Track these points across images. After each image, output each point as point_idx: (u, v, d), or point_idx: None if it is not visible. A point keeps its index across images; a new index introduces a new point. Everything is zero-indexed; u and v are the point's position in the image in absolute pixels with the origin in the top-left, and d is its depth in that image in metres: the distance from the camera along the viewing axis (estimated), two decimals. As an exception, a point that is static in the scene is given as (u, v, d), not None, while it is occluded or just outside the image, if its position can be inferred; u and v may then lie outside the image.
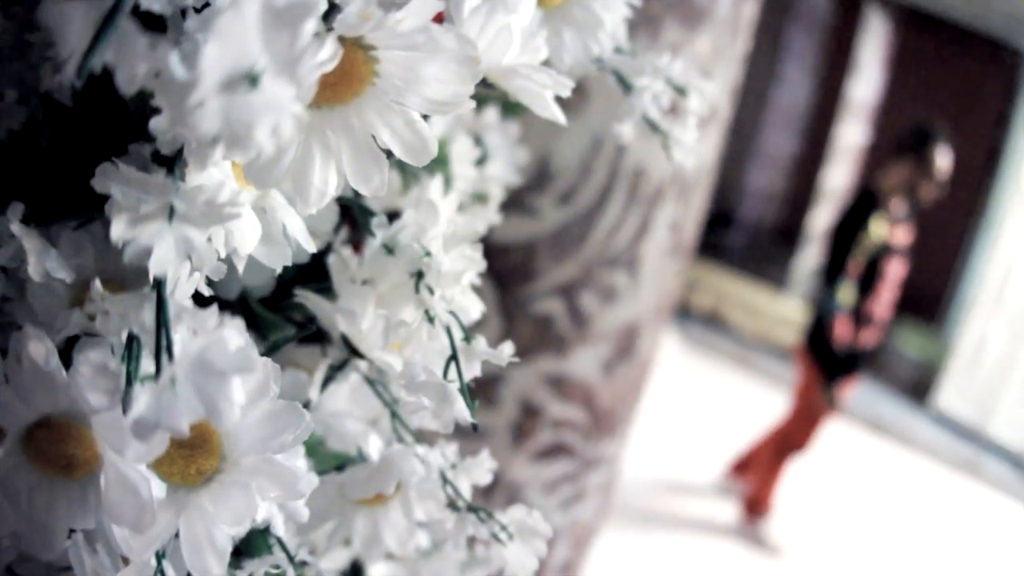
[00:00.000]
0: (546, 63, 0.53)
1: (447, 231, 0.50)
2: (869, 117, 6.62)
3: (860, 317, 3.60)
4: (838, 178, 6.48)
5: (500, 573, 0.57)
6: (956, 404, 5.60)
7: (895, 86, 6.58)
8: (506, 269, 1.23)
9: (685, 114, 0.67)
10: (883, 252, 3.55)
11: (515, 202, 1.20)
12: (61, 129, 0.53)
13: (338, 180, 0.43)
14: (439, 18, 0.49)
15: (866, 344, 3.65)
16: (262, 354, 0.56)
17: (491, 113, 0.81)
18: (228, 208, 0.38)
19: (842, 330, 3.57)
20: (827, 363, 3.63)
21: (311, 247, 0.48)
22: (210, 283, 0.48)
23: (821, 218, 6.44)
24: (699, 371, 5.41)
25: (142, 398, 0.34)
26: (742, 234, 6.82)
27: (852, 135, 6.46)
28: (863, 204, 3.54)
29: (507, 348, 0.49)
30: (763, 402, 5.19)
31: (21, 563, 0.49)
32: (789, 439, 3.85)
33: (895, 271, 3.62)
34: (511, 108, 0.84)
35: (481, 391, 1.28)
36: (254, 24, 0.31)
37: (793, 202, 6.68)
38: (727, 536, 3.78)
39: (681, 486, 4.01)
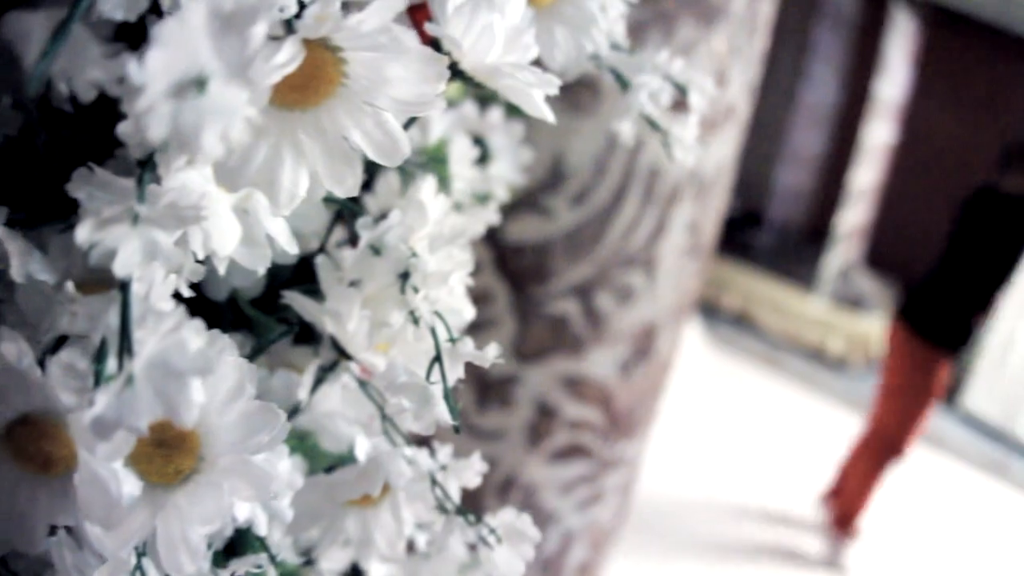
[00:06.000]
0: (538, 62, 0.52)
1: (434, 232, 0.50)
2: (897, 116, 6.58)
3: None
4: (866, 177, 6.44)
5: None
6: (984, 405, 5.56)
7: (923, 85, 6.53)
8: (520, 269, 1.23)
9: (686, 112, 0.66)
10: None
11: (529, 202, 1.20)
12: (57, 134, 0.53)
13: (310, 182, 0.43)
14: (425, 17, 0.49)
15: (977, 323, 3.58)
16: (248, 356, 0.56)
17: (495, 113, 0.80)
18: (192, 211, 0.37)
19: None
20: (937, 332, 3.52)
21: (293, 249, 0.48)
22: (199, 285, 0.48)
23: (850, 218, 6.40)
24: (727, 371, 5.39)
25: (101, 398, 0.34)
26: (770, 234, 6.79)
27: (880, 134, 6.42)
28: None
29: (492, 350, 0.49)
30: (792, 403, 5.17)
31: (15, 559, 0.49)
32: (886, 441, 3.64)
33: None
34: (517, 108, 0.84)
35: (496, 392, 1.29)
36: (202, 29, 0.31)
37: (822, 202, 6.64)
38: (757, 560, 3.75)
39: (705, 502, 3.98)
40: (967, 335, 3.51)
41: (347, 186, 0.43)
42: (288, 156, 0.43)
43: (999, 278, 3.42)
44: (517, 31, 0.50)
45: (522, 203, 1.20)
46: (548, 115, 0.51)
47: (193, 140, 0.31)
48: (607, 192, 1.23)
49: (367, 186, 0.70)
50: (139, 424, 0.34)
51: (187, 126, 0.31)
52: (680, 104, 0.68)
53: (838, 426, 4.96)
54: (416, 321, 0.49)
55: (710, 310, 5.88)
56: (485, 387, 1.28)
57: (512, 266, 1.22)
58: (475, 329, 1.25)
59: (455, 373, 0.49)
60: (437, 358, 0.48)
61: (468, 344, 0.49)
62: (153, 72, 0.30)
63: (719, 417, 4.63)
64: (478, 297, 1.23)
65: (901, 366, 3.58)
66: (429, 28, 0.46)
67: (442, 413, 0.48)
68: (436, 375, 0.49)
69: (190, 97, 0.31)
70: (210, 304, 0.58)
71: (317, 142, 0.43)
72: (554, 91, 0.49)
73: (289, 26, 0.38)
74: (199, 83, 0.31)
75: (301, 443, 0.65)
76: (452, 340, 0.49)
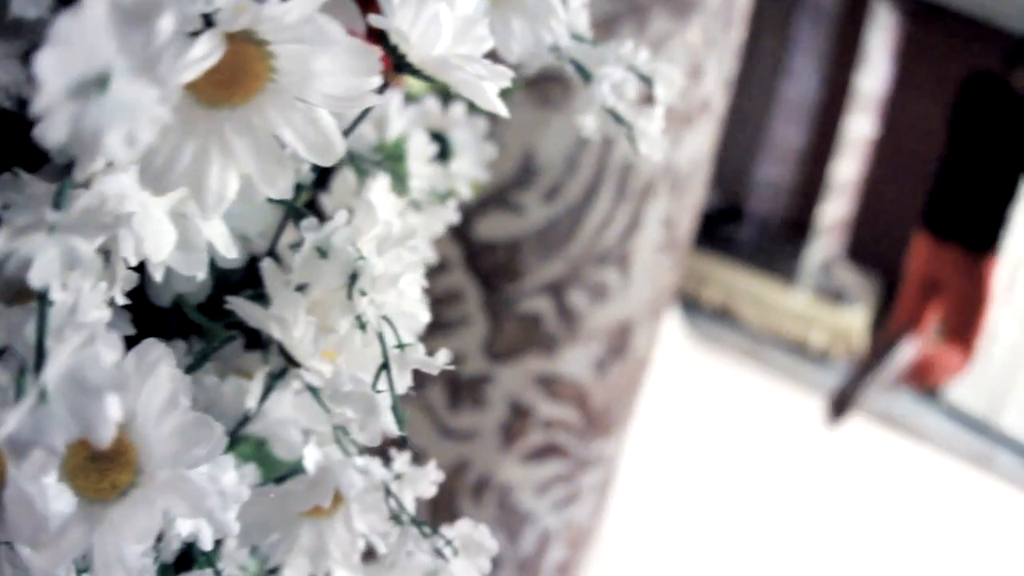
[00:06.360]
0: (494, 54, 0.51)
1: (382, 233, 0.47)
2: (878, 109, 6.59)
3: None
4: (847, 170, 6.45)
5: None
6: (967, 397, 5.57)
7: (904, 78, 6.54)
8: (491, 268, 1.21)
9: (652, 104, 0.64)
10: None
11: (499, 199, 1.19)
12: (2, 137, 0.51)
13: (242, 183, 0.41)
14: (374, 9, 0.47)
15: None
16: (192, 364, 0.54)
17: (458, 108, 0.78)
18: (111, 217, 0.35)
19: None
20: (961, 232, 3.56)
21: (232, 253, 0.46)
22: (144, 291, 0.46)
23: (831, 211, 6.41)
24: (709, 365, 5.38)
25: (12, 415, 0.32)
26: (751, 228, 6.79)
27: (861, 127, 6.43)
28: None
29: (442, 356, 0.47)
30: (775, 397, 5.17)
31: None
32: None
33: None
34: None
35: (468, 392, 1.27)
36: (103, 23, 0.29)
37: (803, 195, 6.65)
38: (741, 554, 3.75)
39: (687, 497, 3.97)
40: (992, 228, 3.56)
41: (279, 187, 0.41)
42: (216, 157, 0.40)
43: (1005, 167, 3.45)
44: (469, 22, 0.48)
45: (492, 200, 1.18)
46: (501, 109, 0.49)
47: (95, 142, 0.29)
48: (579, 188, 1.21)
49: (323, 185, 0.69)
50: (54, 442, 0.32)
51: (88, 128, 0.29)
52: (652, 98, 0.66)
53: (820, 419, 4.96)
54: (363, 326, 0.47)
55: (691, 304, 5.87)
56: (457, 387, 1.27)
57: (482, 264, 1.21)
58: (445, 329, 1.24)
59: (404, 381, 0.47)
60: (385, 365, 0.46)
61: (418, 350, 0.47)
62: (49, 71, 0.28)
63: (701, 412, 4.62)
64: (448, 296, 1.22)
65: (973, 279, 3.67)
66: (373, 20, 0.44)
67: (388, 424, 0.46)
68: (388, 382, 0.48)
69: (92, 97, 0.29)
70: (156, 312, 0.56)
71: (247, 141, 0.41)
72: (507, 84, 0.47)
73: (209, 20, 0.36)
74: (100, 81, 0.29)
75: (259, 451, 0.63)
76: (401, 346, 0.47)
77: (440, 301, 1.22)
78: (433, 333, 1.26)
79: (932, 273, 3.69)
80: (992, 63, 4.06)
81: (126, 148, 0.29)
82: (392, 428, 0.46)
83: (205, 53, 0.34)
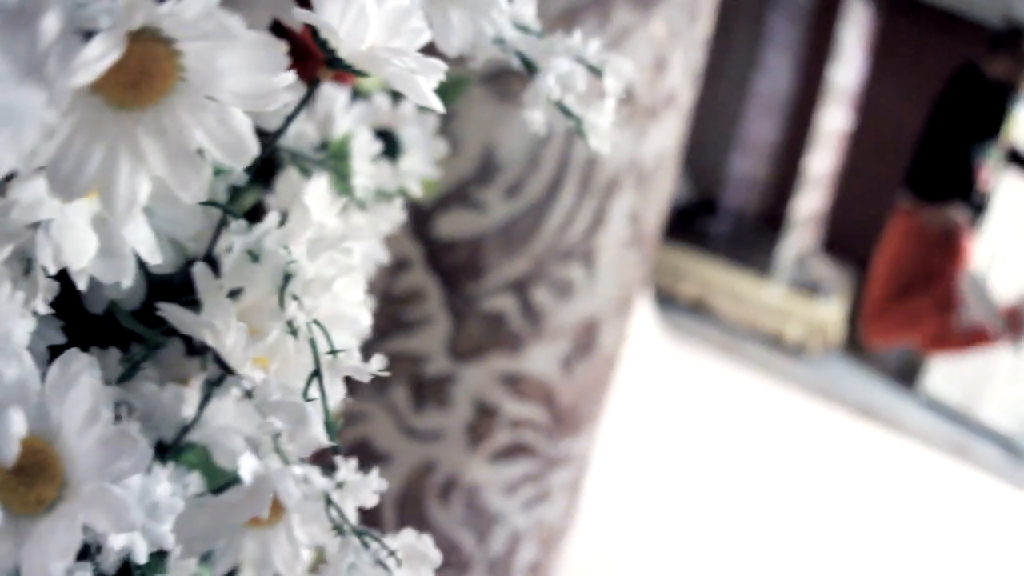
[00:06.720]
0: (432, 48, 0.49)
1: (313, 235, 0.46)
2: (852, 102, 6.61)
3: None
4: (822, 164, 6.46)
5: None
6: (945, 388, 5.58)
7: (878, 71, 6.57)
8: (452, 266, 1.20)
9: (601, 97, 0.62)
10: None
11: (459, 196, 1.17)
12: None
13: (151, 187, 0.39)
14: (305, 4, 0.45)
15: None
16: (122, 374, 0.53)
17: (408, 105, 0.76)
18: (14, 226, 0.34)
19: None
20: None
21: (156, 259, 0.44)
22: (78, 298, 0.45)
23: (806, 204, 6.42)
24: (684, 360, 5.38)
25: None
26: (726, 221, 6.79)
27: (835, 120, 6.45)
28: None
29: (376, 362, 0.45)
30: (751, 390, 5.17)
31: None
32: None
33: None
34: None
35: (432, 392, 1.26)
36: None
37: (777, 188, 6.66)
38: (718, 548, 3.74)
39: (662, 492, 3.97)
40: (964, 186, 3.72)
41: (193, 190, 0.40)
42: (125, 160, 0.39)
43: (979, 144, 3.63)
44: (403, 14, 0.46)
45: (452, 197, 1.17)
46: (436, 104, 0.47)
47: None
48: (541, 184, 1.20)
49: (268, 185, 0.67)
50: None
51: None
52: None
53: (798, 412, 4.96)
54: (294, 332, 0.45)
55: (666, 299, 5.86)
56: (421, 388, 1.25)
57: (444, 262, 1.19)
58: (407, 329, 1.22)
59: (336, 388, 0.45)
60: (316, 373, 0.45)
61: (353, 356, 0.46)
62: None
63: (677, 406, 4.62)
64: (409, 296, 1.20)
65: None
66: (299, 15, 0.43)
67: (318, 434, 0.44)
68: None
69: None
70: (88, 318, 0.54)
71: (158, 143, 0.39)
72: (440, 77, 0.46)
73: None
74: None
75: (206, 459, 0.61)
76: (333, 352, 0.45)
77: (401, 301, 1.20)
78: (395, 333, 1.25)
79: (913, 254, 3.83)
80: (964, 56, 4.12)
81: (11, 153, 0.28)
82: (322, 438, 0.44)
83: (101, 53, 0.32)
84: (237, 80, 0.39)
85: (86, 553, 0.48)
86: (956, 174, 3.83)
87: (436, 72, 0.45)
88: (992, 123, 3.70)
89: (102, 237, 0.43)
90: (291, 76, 0.39)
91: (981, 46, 4.06)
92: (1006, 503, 4.66)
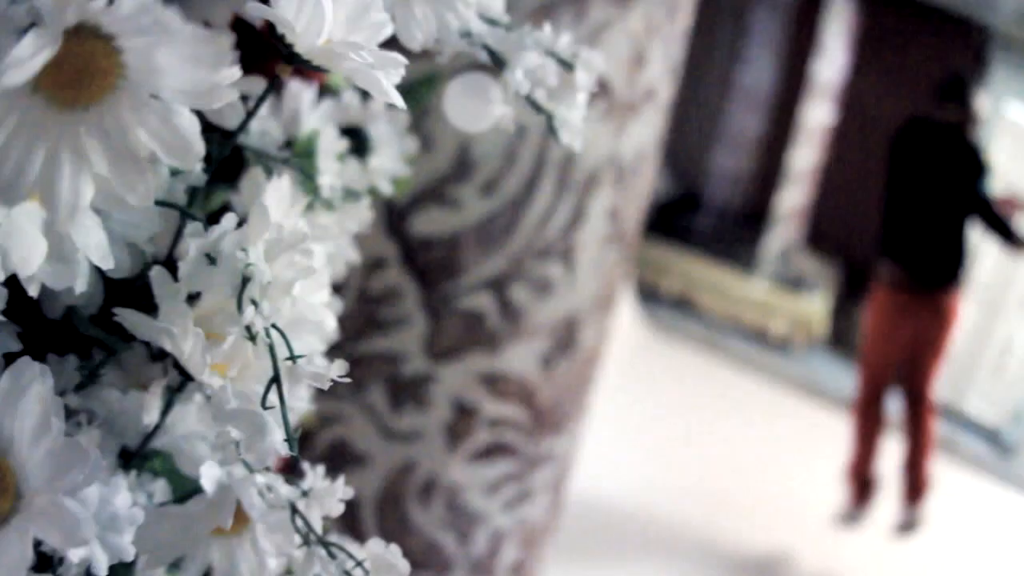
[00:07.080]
0: (395, 42, 0.48)
1: (271, 237, 0.44)
2: (835, 97, 6.61)
3: None
4: (805, 158, 6.47)
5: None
6: (930, 382, 5.60)
7: (861, 65, 6.57)
8: (429, 264, 1.19)
9: (571, 91, 0.61)
10: None
11: (435, 194, 1.16)
12: None
13: (94, 189, 0.38)
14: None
15: None
16: (80, 381, 0.52)
17: (378, 102, 0.75)
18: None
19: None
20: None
21: (108, 264, 0.43)
22: (36, 305, 0.43)
23: (789, 199, 6.42)
24: (668, 355, 5.38)
25: None
26: (709, 217, 6.79)
27: (818, 115, 6.46)
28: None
29: (336, 367, 0.43)
30: (735, 385, 5.17)
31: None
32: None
33: None
34: (409, 95, 0.78)
35: (410, 392, 1.25)
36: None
37: (760, 183, 6.66)
38: (701, 549, 3.74)
39: (647, 489, 3.96)
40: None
41: (139, 192, 0.38)
42: (67, 162, 0.37)
43: (941, 198, 3.55)
44: (363, 7, 0.45)
45: (427, 195, 1.16)
46: (396, 99, 0.46)
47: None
48: (518, 181, 1.19)
49: (233, 185, 0.65)
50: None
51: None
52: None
53: (782, 407, 4.97)
54: (252, 337, 0.43)
55: (649, 294, 5.87)
56: (398, 388, 1.24)
57: (420, 261, 1.18)
58: (383, 329, 1.21)
59: (300, 395, 0.44)
60: (275, 379, 0.43)
61: (315, 361, 0.44)
62: None
63: (662, 402, 4.62)
64: (385, 295, 1.19)
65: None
66: (253, 9, 0.41)
67: (276, 443, 0.43)
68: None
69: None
70: (47, 323, 0.53)
71: (101, 144, 0.37)
72: (401, 72, 0.44)
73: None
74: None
75: (172, 467, 0.60)
76: (293, 358, 0.44)
77: (377, 300, 1.19)
78: (371, 333, 1.24)
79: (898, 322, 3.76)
80: (947, 49, 4.12)
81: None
82: (281, 448, 0.43)
83: (34, 51, 0.31)
84: (178, 77, 0.37)
85: (48, 565, 0.47)
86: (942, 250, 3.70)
87: (396, 67, 0.44)
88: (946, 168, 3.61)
89: (52, 242, 0.41)
90: (236, 72, 0.38)
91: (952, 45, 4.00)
92: (992, 497, 4.67)
